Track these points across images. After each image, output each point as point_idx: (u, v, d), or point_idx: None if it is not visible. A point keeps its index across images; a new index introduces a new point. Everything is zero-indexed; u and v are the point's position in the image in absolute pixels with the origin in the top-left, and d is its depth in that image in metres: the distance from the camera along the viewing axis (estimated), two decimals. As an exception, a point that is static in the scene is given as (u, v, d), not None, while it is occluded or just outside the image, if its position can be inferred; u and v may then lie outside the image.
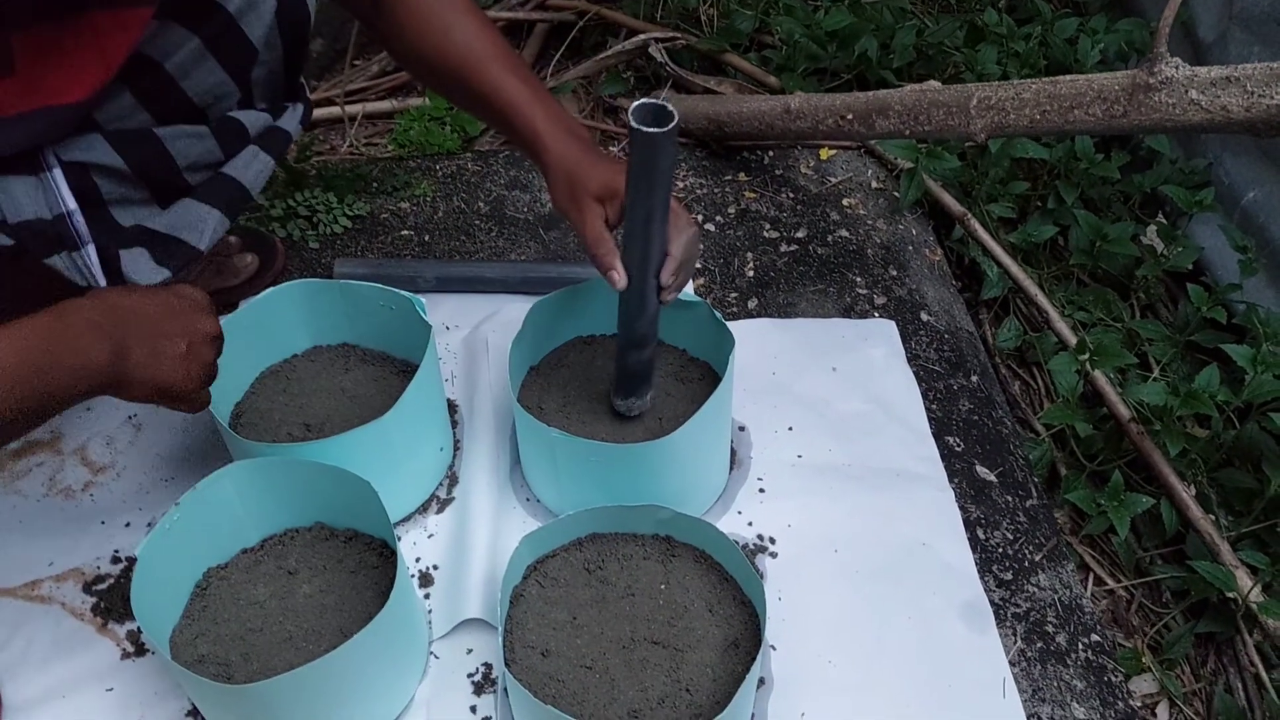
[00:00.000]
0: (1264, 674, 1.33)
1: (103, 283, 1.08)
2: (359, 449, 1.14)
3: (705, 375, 1.32)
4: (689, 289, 1.53)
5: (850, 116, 1.55)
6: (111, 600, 1.19)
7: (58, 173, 1.01)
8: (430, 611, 1.19)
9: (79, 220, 1.03)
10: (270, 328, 1.29)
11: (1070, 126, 1.32)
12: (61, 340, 0.89)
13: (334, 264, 1.51)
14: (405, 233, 1.64)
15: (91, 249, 1.05)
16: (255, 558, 1.16)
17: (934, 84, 1.51)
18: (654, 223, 1.04)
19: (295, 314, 1.30)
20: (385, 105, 1.94)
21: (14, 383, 0.84)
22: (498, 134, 1.90)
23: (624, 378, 1.22)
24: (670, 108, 0.96)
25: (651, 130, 0.94)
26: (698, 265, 1.60)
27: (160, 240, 1.11)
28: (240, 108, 1.12)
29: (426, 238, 1.63)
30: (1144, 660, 1.35)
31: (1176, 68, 1.20)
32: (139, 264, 1.09)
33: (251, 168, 1.14)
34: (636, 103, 0.96)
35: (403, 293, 1.25)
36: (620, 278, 1.09)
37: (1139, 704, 1.33)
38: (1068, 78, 1.32)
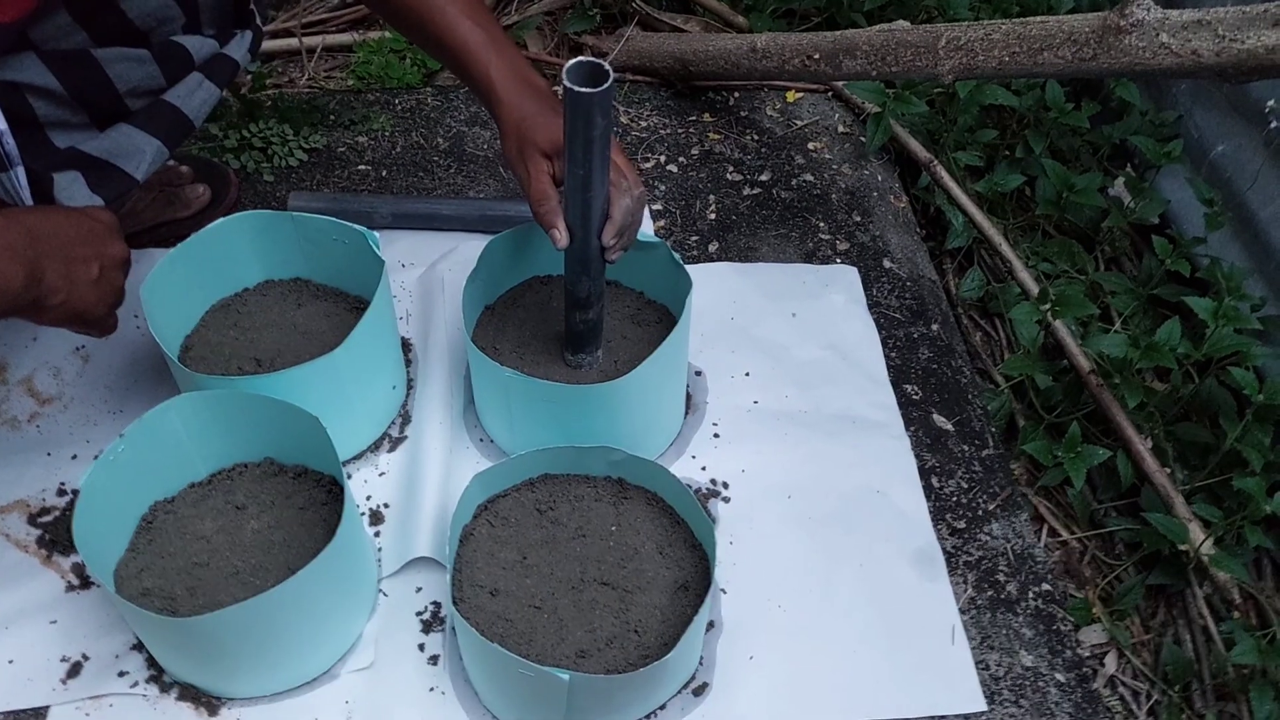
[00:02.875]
0: (1212, 626, 1.34)
1: (30, 204, 1.05)
2: (309, 384, 1.12)
3: (662, 318, 1.30)
4: (649, 229, 1.51)
5: (817, 56, 1.53)
6: (57, 532, 1.17)
7: None
8: (380, 549, 1.18)
9: (8, 141, 1.00)
10: (220, 260, 1.26)
11: (1039, 69, 1.30)
12: None
13: (288, 197, 1.48)
14: (362, 167, 1.60)
15: (20, 170, 1.02)
16: (203, 492, 1.15)
17: (902, 24, 1.49)
18: (593, 185, 1.02)
19: (246, 246, 1.27)
20: (345, 38, 1.89)
21: None
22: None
23: (571, 336, 1.21)
24: (607, 67, 0.93)
25: (585, 90, 0.92)
26: (658, 206, 1.58)
27: (96, 165, 1.07)
28: (185, 33, 1.09)
29: (384, 173, 1.60)
30: (1094, 611, 1.36)
31: (1148, 10, 1.18)
32: (73, 189, 1.06)
33: (195, 96, 1.10)
34: (572, 61, 0.94)
35: (356, 227, 1.22)
36: (562, 236, 1.07)
37: (1087, 653, 1.34)
38: (1038, 19, 1.30)
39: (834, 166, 1.68)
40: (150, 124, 1.08)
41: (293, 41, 1.86)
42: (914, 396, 1.38)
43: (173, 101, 1.09)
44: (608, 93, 0.93)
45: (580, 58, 0.94)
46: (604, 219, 1.07)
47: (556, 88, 1.67)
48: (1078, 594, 1.39)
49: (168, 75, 1.07)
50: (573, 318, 1.18)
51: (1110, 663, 1.35)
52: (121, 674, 1.07)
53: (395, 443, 1.27)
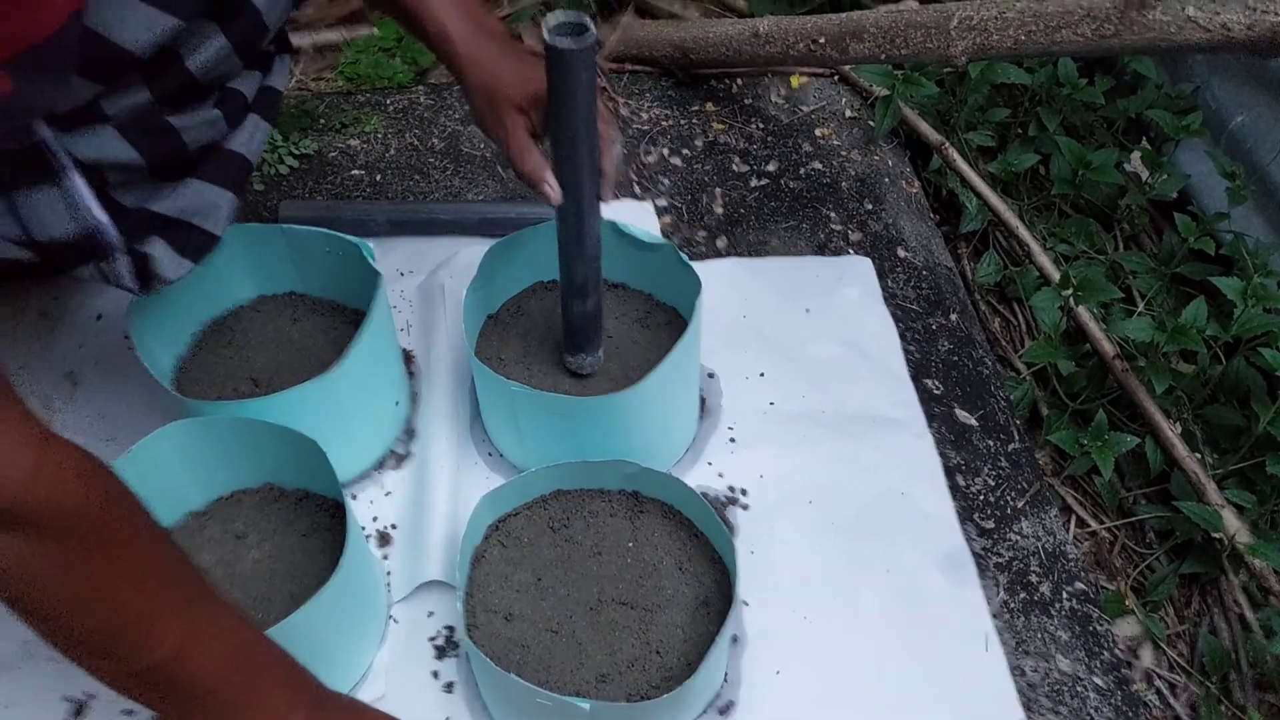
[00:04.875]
0: (1249, 614, 1.30)
1: (133, 286, 1.00)
2: (307, 405, 1.07)
3: (672, 321, 1.25)
4: (655, 227, 1.46)
5: (823, 40, 1.48)
6: (52, 568, 1.13)
7: (77, 178, 0.91)
8: (389, 573, 1.13)
9: (111, 231, 0.95)
10: (212, 277, 1.21)
11: (1057, 47, 1.25)
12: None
13: (279, 207, 1.43)
14: (355, 172, 1.55)
15: (126, 259, 0.97)
16: (200, 522, 1.10)
17: (911, 4, 1.44)
18: (580, 150, 0.95)
19: (238, 262, 1.23)
20: (334, 35, 1.84)
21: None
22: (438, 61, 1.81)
23: (570, 331, 1.15)
24: (588, 22, 0.88)
25: (566, 47, 0.87)
26: (663, 201, 1.52)
27: (174, 227, 1.01)
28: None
29: (378, 177, 1.55)
30: (1127, 603, 1.32)
31: (1170, -16, 1.14)
32: (162, 258, 1.00)
33: (255, 139, 1.05)
34: (552, 15, 0.88)
35: (350, 238, 1.17)
36: (555, 191, 0.99)
37: (1122, 647, 1.30)
38: (1054, -4, 1.25)
39: (843, 153, 1.63)
40: (220, 176, 1.03)
41: (280, 42, 1.81)
42: (935, 391, 1.33)
43: (237, 150, 1.03)
44: (589, 50, 0.88)
45: (559, 10, 0.89)
46: (596, 185, 1.00)
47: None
48: (1109, 586, 1.35)
49: (230, 123, 1.02)
50: (570, 309, 1.11)
51: (1145, 655, 1.32)
52: (127, 713, 1.03)
53: (401, 460, 1.22)
